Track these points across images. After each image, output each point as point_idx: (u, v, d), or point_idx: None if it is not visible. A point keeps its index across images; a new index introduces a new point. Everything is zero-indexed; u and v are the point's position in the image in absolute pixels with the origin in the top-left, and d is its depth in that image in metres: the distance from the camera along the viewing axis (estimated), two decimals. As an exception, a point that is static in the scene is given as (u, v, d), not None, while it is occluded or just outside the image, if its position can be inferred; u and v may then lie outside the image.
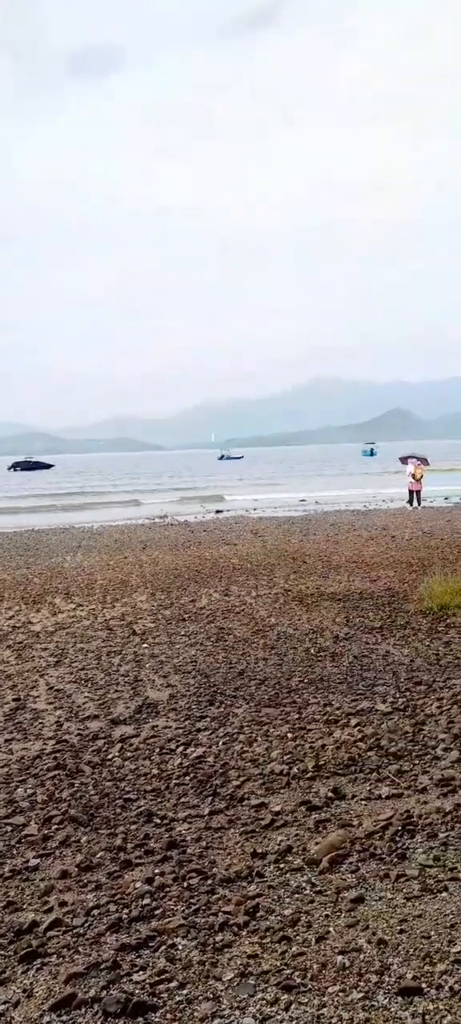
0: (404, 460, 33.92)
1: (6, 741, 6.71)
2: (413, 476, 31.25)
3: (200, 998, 3.21)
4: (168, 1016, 3.12)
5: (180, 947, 3.60)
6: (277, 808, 5.03)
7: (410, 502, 31.01)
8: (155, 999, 3.23)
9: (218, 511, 34.60)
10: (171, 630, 10.71)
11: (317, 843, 4.48)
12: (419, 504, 30.70)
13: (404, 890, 3.91)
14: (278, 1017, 3.05)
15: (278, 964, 3.39)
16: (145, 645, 9.97)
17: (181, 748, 6.29)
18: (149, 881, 4.21)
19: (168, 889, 4.13)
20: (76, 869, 4.45)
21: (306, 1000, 3.13)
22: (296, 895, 3.97)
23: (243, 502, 39.63)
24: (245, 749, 6.17)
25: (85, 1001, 3.26)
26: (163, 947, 3.61)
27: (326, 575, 14.53)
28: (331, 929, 3.62)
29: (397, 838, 4.48)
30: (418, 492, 31.16)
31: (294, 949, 3.48)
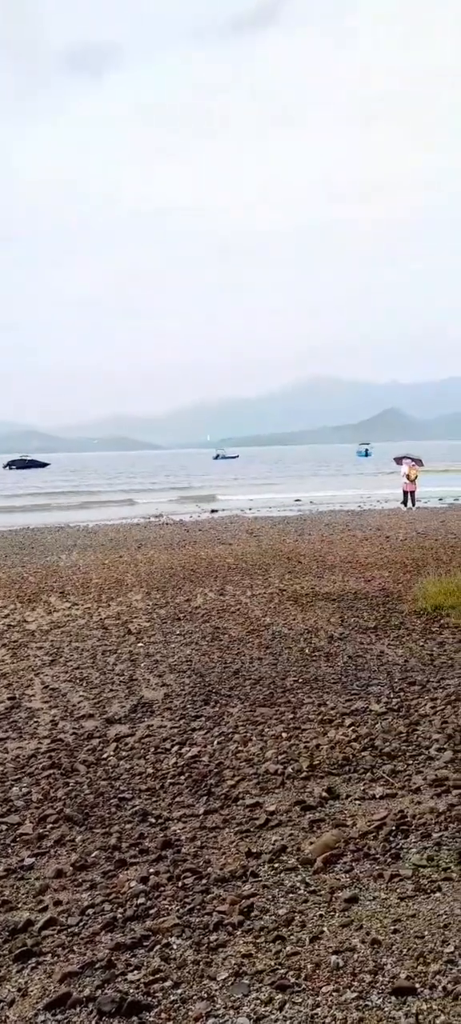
0: (399, 461, 33.98)
1: (1, 740, 6.71)
2: (407, 477, 31.32)
3: (194, 997, 3.22)
4: (162, 1015, 3.13)
5: (175, 946, 3.61)
6: (272, 808, 5.05)
7: (404, 503, 31.08)
8: (150, 998, 3.24)
9: (213, 511, 34.61)
10: (166, 629, 10.72)
11: (311, 843, 4.49)
12: (413, 505, 30.76)
13: (398, 890, 3.93)
14: (272, 1017, 3.06)
15: (272, 964, 3.40)
16: (140, 644, 9.97)
17: (176, 747, 6.30)
18: (144, 880, 4.22)
19: (163, 888, 4.14)
20: (71, 868, 4.45)
21: (300, 1000, 3.14)
22: (290, 895, 3.98)
23: (238, 502, 39.65)
24: (240, 749, 6.18)
25: (80, 1000, 3.27)
26: (158, 946, 3.61)
27: (321, 575, 14.56)
28: (325, 929, 3.63)
29: (391, 838, 4.49)
30: (412, 493, 31.24)
31: (288, 949, 3.49)
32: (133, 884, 4.19)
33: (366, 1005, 3.07)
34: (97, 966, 3.49)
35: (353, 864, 4.24)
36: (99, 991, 3.32)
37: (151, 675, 8.55)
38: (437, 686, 7.48)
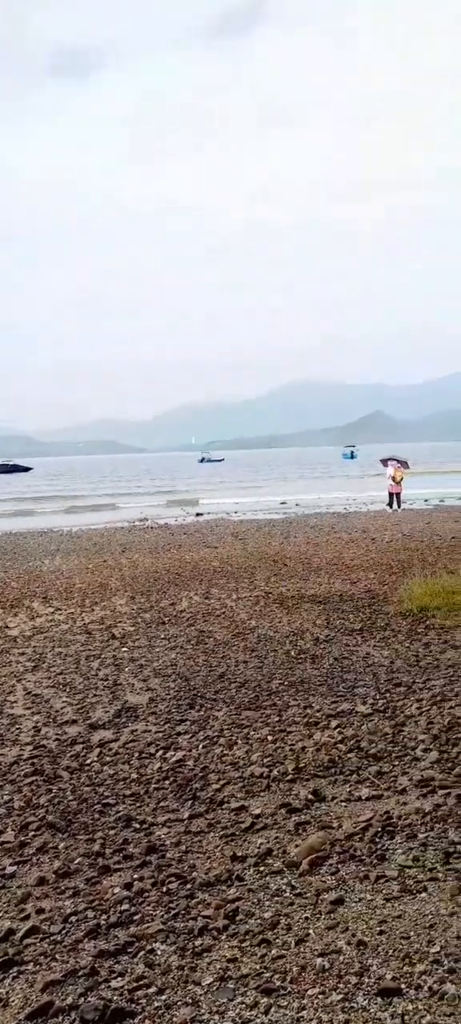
0: (385, 462, 34.12)
1: (-17, 747, 6.63)
2: (393, 479, 31.45)
3: (179, 1003, 3.18)
4: (147, 1022, 3.09)
5: (159, 952, 3.57)
6: (257, 811, 5.02)
7: (390, 504, 31.20)
8: (133, 1005, 3.19)
9: (198, 514, 34.57)
10: (151, 633, 10.66)
11: (297, 845, 4.47)
12: (399, 506, 30.89)
13: (384, 891, 3.91)
14: (257, 1020, 3.03)
15: (258, 967, 3.37)
16: (124, 649, 9.91)
17: (161, 752, 6.25)
18: (128, 886, 4.17)
19: (147, 894, 4.10)
20: (54, 875, 4.39)
21: (285, 1003, 3.11)
22: (276, 898, 3.95)
23: (223, 505, 39.63)
24: (225, 752, 6.14)
25: (62, 1009, 3.22)
26: (142, 952, 3.57)
27: (306, 577, 14.56)
28: (311, 931, 3.60)
29: (377, 839, 4.48)
30: (398, 495, 31.36)
31: (274, 952, 3.46)
32: (117, 890, 4.15)
33: (352, 1007, 3.04)
34: (80, 974, 3.44)
35: (339, 866, 4.22)
36: (82, 999, 3.27)
37: (135, 679, 8.49)
38: (423, 687, 7.49)
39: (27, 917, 3.96)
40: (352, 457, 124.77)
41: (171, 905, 3.96)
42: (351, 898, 3.87)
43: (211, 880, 4.19)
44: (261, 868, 4.28)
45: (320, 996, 3.12)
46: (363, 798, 5.10)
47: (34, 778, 5.86)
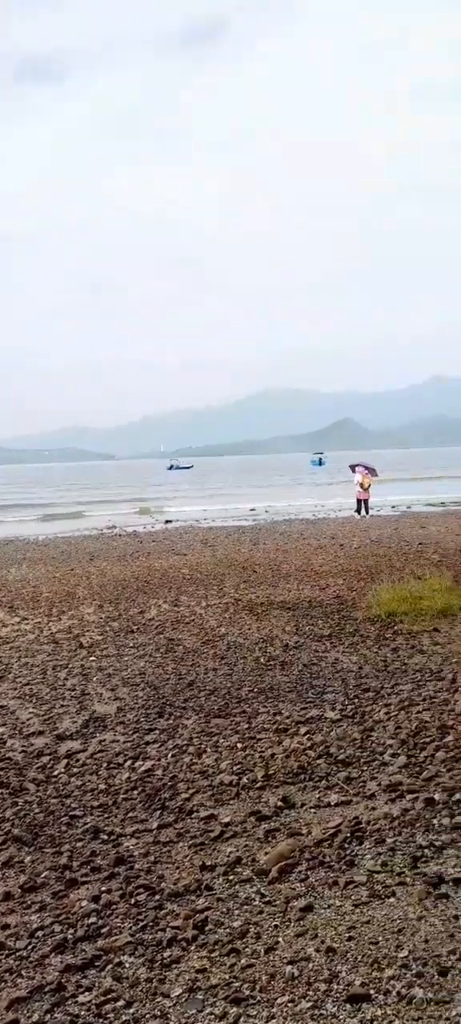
0: (353, 468, 34.39)
1: None
2: (361, 485, 31.72)
3: (147, 1016, 3.15)
4: (114, 1037, 3.05)
5: (127, 965, 3.53)
6: (226, 819, 5.00)
7: (358, 511, 31.46)
8: (101, 1020, 3.15)
9: (167, 521, 34.45)
10: (119, 642, 10.58)
11: (266, 853, 4.46)
12: (367, 513, 31.16)
13: (352, 897, 3.92)
14: (227, 1032, 3.01)
15: (227, 977, 3.35)
16: (92, 658, 9.81)
17: (129, 762, 6.19)
18: (95, 899, 4.12)
19: (115, 906, 4.05)
20: (19, 890, 4.32)
21: (255, 1012, 3.10)
22: (245, 907, 3.94)
23: (193, 512, 39.56)
24: (194, 761, 6.11)
25: (28, 1027, 3.16)
26: (109, 966, 3.53)
27: (276, 584, 14.59)
28: (280, 939, 3.59)
29: (346, 845, 4.49)
30: (366, 501, 31.64)
31: (243, 961, 3.45)
32: (84, 903, 4.09)
33: (321, 1014, 3.04)
34: (46, 990, 3.39)
35: (308, 873, 4.22)
36: (48, 1016, 3.22)
37: (104, 689, 8.41)
38: (391, 692, 7.55)
39: (-8, 933, 3.88)
40: (321, 464, 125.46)
41: (139, 917, 3.92)
42: (320, 905, 3.88)
43: (180, 890, 4.15)
44: (230, 877, 4.26)
45: (289, 1004, 3.11)
46: (332, 804, 5.11)
47: (-1, 791, 5.76)
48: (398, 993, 3.11)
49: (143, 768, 6.02)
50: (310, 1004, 3.10)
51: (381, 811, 4.90)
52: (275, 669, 8.74)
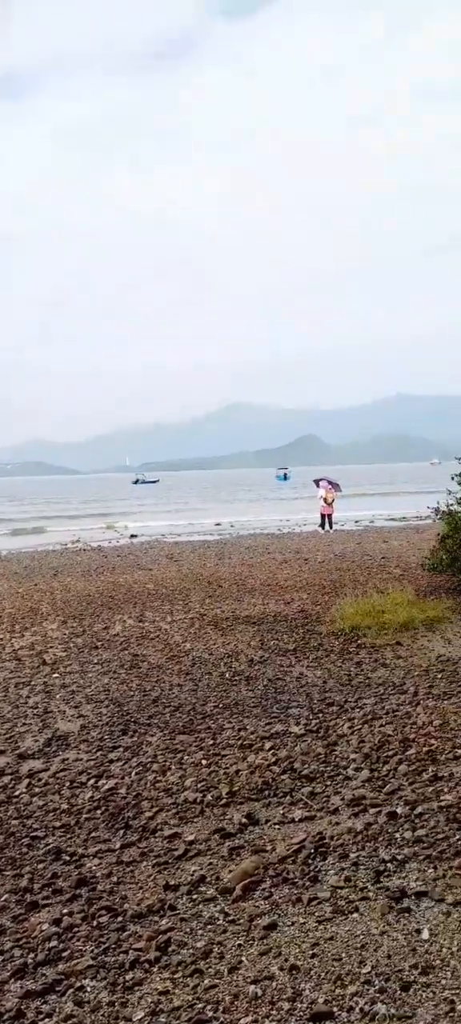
0: (317, 482, 34.67)
1: None
2: (325, 500, 31.98)
3: (109, 1042, 3.10)
4: (75, 1064, 2.99)
5: (89, 989, 3.47)
6: (190, 837, 4.96)
7: (322, 525, 31.69)
8: (61, 1047, 3.09)
9: (133, 536, 34.25)
10: (83, 658, 10.46)
11: (230, 871, 4.44)
12: (331, 527, 31.41)
13: (316, 913, 3.92)
14: (190, 1055, 2.98)
15: (190, 999, 3.32)
16: (56, 675, 9.68)
17: (92, 781, 6.11)
18: (57, 922, 4.05)
19: (76, 929, 3.99)
20: (-22, 915, 4.22)
21: (218, 1034, 3.07)
22: (209, 926, 3.91)
23: (158, 527, 39.41)
24: (158, 778, 6.06)
25: (-14, 1056, 3.08)
26: (71, 990, 3.47)
27: (241, 599, 14.60)
28: (243, 959, 3.58)
29: (310, 861, 4.49)
30: (330, 516, 31.90)
31: (206, 982, 3.42)
32: (45, 927, 4.02)
33: (285, 1034, 3.03)
34: (5, 1017, 3.31)
35: (272, 890, 4.21)
36: (7, 1045, 3.14)
37: (67, 706, 8.30)
38: (354, 706, 7.60)
39: None
40: (285, 479, 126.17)
41: (101, 939, 3.86)
42: (284, 922, 3.87)
43: (143, 911, 4.11)
44: (194, 896, 4.23)
45: (253, 1024, 3.10)
46: (296, 820, 5.11)
47: (-42, 813, 5.63)
48: (361, 1010, 3.12)
49: (106, 787, 5.95)
50: (273, 1023, 3.08)
51: (345, 826, 4.92)
52: (240, 684, 8.73)
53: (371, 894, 4.06)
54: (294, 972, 3.42)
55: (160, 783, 5.96)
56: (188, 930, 3.88)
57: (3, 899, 4.37)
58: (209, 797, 5.61)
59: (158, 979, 3.49)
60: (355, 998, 3.20)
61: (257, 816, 5.22)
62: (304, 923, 3.84)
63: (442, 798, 5.19)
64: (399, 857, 4.43)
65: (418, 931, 3.67)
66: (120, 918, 4.05)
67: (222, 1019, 3.16)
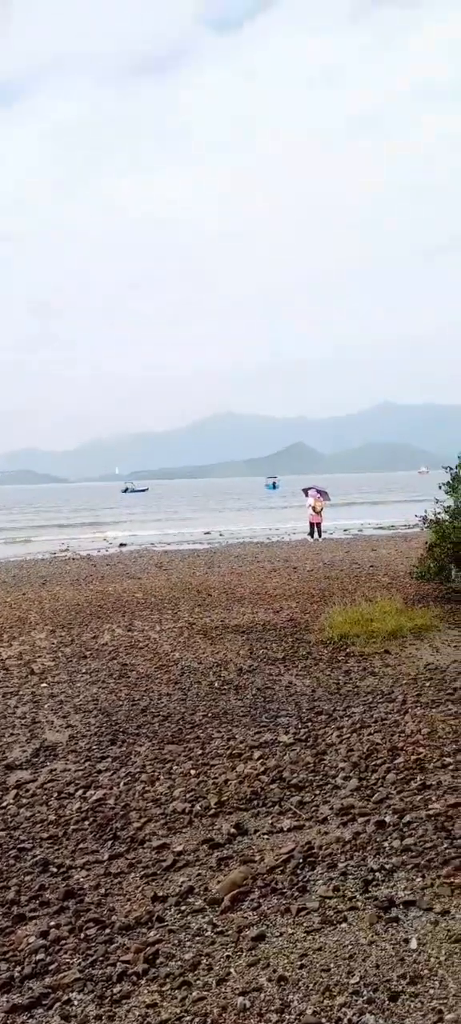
0: (306, 491, 34.73)
1: None
2: (313, 509, 32.03)
3: (96, 1056, 3.07)
4: None
5: (76, 1002, 3.44)
6: (179, 848, 4.94)
7: (311, 534, 31.73)
8: (48, 1062, 3.06)
9: (122, 544, 34.17)
10: (72, 668, 10.41)
11: (219, 882, 4.42)
12: (320, 536, 31.46)
13: (304, 924, 3.91)
14: (177, 1068, 2.96)
15: (178, 1011, 3.30)
16: (44, 685, 9.63)
17: (80, 791, 6.08)
18: (44, 935, 4.02)
19: (64, 942, 3.96)
20: (-36, 928, 4.18)
21: (206, 1047, 3.06)
22: (197, 937, 3.89)
23: (147, 535, 39.34)
24: (147, 789, 6.04)
25: None
26: (57, 1004, 3.44)
27: (230, 607, 14.59)
28: (232, 970, 3.56)
29: (298, 871, 4.48)
30: (318, 524, 31.95)
31: (194, 994, 3.40)
32: (32, 939, 3.98)
33: (273, 1046, 3.02)
34: (-9, 1032, 3.28)
35: (261, 900, 4.19)
36: (-7, 1060, 3.11)
37: (55, 716, 8.25)
38: (343, 714, 7.60)
39: None
40: (274, 488, 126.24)
41: (89, 952, 3.84)
42: (272, 933, 3.86)
43: (131, 923, 4.08)
44: (182, 907, 4.21)
45: (241, 1036, 3.08)
46: (285, 829, 5.10)
47: None
48: (349, 1020, 3.12)
49: (94, 797, 5.91)
50: (262, 1035, 3.07)
51: (333, 835, 4.91)
52: (229, 693, 8.71)
53: (360, 904, 4.05)
54: (282, 983, 3.41)
55: (149, 793, 5.94)
56: (176, 942, 3.86)
57: (-11, 912, 4.33)
58: (198, 807, 5.60)
59: (146, 992, 3.47)
60: (343, 1009, 3.19)
61: (246, 826, 5.21)
62: (292, 934, 3.83)
63: (430, 807, 5.20)
64: (387, 866, 4.43)
65: (406, 941, 3.67)
66: (108, 930, 4.03)
67: (210, 1031, 3.14)
